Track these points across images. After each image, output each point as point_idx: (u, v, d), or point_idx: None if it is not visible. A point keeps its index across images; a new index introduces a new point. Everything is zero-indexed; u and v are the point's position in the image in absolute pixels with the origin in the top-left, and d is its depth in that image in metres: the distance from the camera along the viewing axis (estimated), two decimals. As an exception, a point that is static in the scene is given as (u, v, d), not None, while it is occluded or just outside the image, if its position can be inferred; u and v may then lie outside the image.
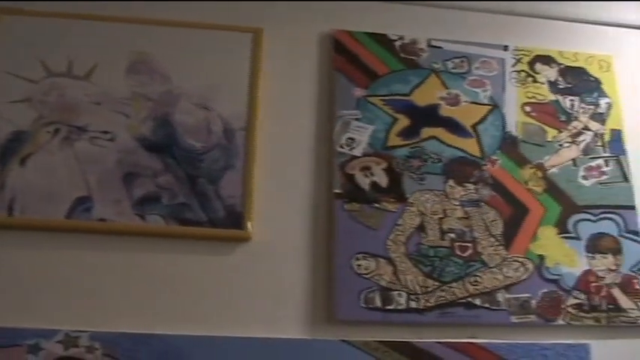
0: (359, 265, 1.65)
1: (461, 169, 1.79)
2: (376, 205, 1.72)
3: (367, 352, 1.61)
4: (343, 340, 1.61)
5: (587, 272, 1.77)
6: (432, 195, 1.75)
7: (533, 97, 1.93)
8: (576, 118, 1.93)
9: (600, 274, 1.77)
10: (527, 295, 1.72)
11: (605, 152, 1.90)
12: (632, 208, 1.86)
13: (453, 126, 1.85)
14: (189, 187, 1.66)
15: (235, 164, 1.71)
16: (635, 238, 1.82)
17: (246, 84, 1.79)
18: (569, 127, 1.91)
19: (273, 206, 1.70)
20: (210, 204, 1.66)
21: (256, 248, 1.67)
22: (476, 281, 1.70)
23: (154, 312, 1.59)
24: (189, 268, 1.63)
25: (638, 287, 1.78)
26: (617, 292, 1.76)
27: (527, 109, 1.91)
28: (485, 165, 1.81)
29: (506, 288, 1.71)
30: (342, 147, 1.76)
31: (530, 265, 1.74)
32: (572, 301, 1.73)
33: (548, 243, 1.77)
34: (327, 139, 1.79)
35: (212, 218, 1.65)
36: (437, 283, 1.68)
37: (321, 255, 1.69)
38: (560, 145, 1.88)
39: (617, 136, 1.93)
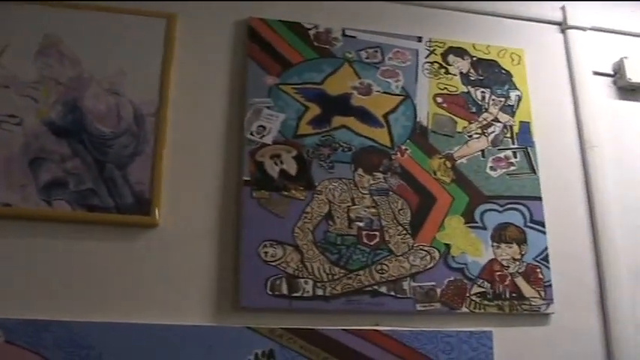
0: (266, 253, 1.65)
1: (370, 158, 1.80)
2: (284, 192, 1.72)
3: (272, 339, 1.61)
4: (248, 327, 1.60)
5: (492, 261, 1.80)
6: (341, 183, 1.76)
7: (445, 88, 1.95)
8: (486, 110, 1.96)
9: (505, 263, 1.80)
10: (432, 283, 1.74)
11: (513, 144, 1.94)
12: (539, 199, 1.90)
13: (364, 115, 1.86)
14: (97, 173, 1.64)
15: (145, 150, 1.69)
16: (540, 228, 1.86)
17: (158, 70, 1.78)
18: (480, 119, 1.94)
19: (182, 193, 1.69)
20: (117, 190, 1.64)
21: (163, 235, 1.66)
22: (382, 269, 1.71)
23: (58, 298, 1.56)
24: (96, 254, 1.61)
25: (541, 276, 1.81)
26: (520, 281, 1.80)
27: (439, 100, 1.93)
28: (394, 154, 1.83)
29: (412, 276, 1.73)
30: (252, 135, 1.76)
31: (436, 254, 1.76)
32: (476, 289, 1.76)
33: (455, 232, 1.79)
34: (237, 126, 1.78)
35: (119, 204, 1.63)
36: (343, 271, 1.69)
37: (229, 242, 1.68)
38: (470, 137, 1.91)
39: (525, 129, 1.97)
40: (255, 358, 1.60)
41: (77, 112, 1.68)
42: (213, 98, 1.81)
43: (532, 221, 1.85)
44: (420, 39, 2.00)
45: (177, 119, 1.74)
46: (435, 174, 1.83)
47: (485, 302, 1.75)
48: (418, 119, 1.89)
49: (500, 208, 1.84)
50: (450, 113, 1.92)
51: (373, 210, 1.75)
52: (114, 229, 1.63)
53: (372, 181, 1.78)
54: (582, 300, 1.88)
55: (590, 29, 2.19)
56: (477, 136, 1.91)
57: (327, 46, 1.91)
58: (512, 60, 2.04)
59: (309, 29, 1.92)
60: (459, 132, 1.91)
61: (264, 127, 1.76)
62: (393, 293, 1.70)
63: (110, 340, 1.53)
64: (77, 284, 1.58)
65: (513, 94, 1.99)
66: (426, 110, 1.91)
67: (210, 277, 1.65)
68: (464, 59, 2.00)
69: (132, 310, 1.59)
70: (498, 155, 1.90)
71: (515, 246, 1.81)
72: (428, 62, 1.97)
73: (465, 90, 1.96)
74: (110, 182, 1.64)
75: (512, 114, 1.97)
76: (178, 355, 1.56)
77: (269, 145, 1.76)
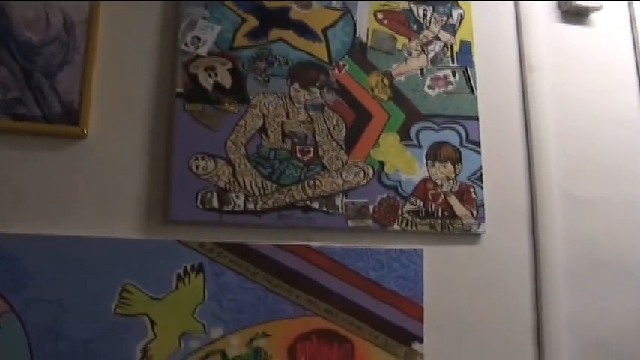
0: (197, 166, 1.63)
1: (307, 72, 1.78)
2: (218, 106, 1.69)
3: (202, 252, 1.61)
4: (179, 241, 1.59)
5: (426, 180, 1.80)
6: (276, 97, 1.73)
7: (387, 5, 1.91)
8: (427, 28, 1.93)
9: (438, 182, 1.81)
10: (364, 200, 1.74)
11: (453, 63, 1.92)
12: (475, 119, 1.89)
13: (303, 29, 1.81)
14: (25, 82, 1.58)
15: (74, 59, 1.64)
16: (475, 148, 1.86)
17: (89, -26, 1.69)
18: (420, 37, 1.91)
19: (112, 104, 1.65)
20: (46, 100, 1.59)
21: (93, 146, 1.62)
22: (315, 185, 1.70)
23: (-17, 210, 1.50)
24: (22, 165, 1.57)
25: (473, 196, 1.82)
26: (453, 200, 1.81)
27: (380, 16, 1.89)
28: (332, 70, 1.79)
29: (345, 193, 1.72)
30: (186, 45, 1.71)
31: (370, 171, 1.75)
32: (409, 207, 1.77)
33: (390, 150, 1.79)
34: (172, 37, 1.73)
35: (47, 114, 1.58)
36: (275, 186, 1.68)
37: (159, 155, 1.65)
38: (410, 54, 1.89)
39: (466, 48, 1.95)
40: (184, 272, 1.58)
41: (3, 18, 1.61)
42: (146, 6, 1.74)
43: (468, 141, 1.85)
44: (361, -47, 1.93)
45: (109, 28, 1.68)
46: (372, 91, 1.81)
47: (417, 220, 1.76)
48: (357, 35, 1.85)
49: (437, 127, 1.84)
50: (391, 30, 1.89)
51: (308, 125, 1.72)
52: (42, 140, 1.59)
53: (307, 96, 1.75)
54: (513, 221, 1.90)
55: (536, -50, 2.15)
56: (417, 54, 1.89)
57: (266, -42, 1.84)
58: (457, -23, 2.00)
59: (250, -62, 1.84)
60: (399, 49, 1.88)
61: (198, 39, 1.72)
62: (325, 209, 1.69)
63: (36, 253, 1.51)
64: (2, 195, 1.54)
65: (455, 13, 1.97)
66: (366, 26, 1.87)
67: (139, 190, 1.63)
68: (407, -24, 1.95)
69: (59, 223, 1.56)
70: (437, 74, 1.89)
71: (449, 165, 1.81)
72: (370, -22, 1.91)
73: (407, 7, 1.93)
74: (38, 91, 1.59)
75: (454, 33, 1.95)
76: (107, 268, 1.55)
77: (203, 56, 1.71)
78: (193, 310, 1.58)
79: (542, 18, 2.10)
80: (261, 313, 1.62)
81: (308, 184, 1.69)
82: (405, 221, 1.74)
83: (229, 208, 1.63)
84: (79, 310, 1.52)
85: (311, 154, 1.71)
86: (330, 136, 1.74)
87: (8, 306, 1.48)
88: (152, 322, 1.56)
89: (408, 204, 1.76)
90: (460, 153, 1.85)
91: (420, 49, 1.91)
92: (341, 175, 1.72)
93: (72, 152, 1.62)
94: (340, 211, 1.70)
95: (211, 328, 1.59)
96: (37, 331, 1.49)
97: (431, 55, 1.91)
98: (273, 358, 1.62)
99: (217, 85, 1.71)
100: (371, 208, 1.73)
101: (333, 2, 1.87)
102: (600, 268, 1.94)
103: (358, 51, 1.85)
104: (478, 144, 1.87)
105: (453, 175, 1.81)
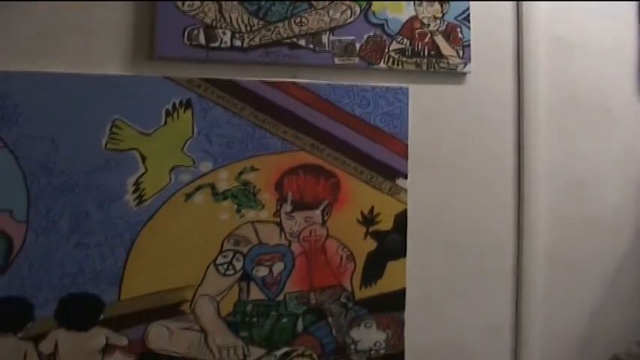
0: (183, 3, 1.60)
1: None
2: (204, -60, 1.64)
3: (190, 89, 1.62)
4: (166, 77, 1.59)
5: (413, 19, 1.80)
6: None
7: None
8: None
9: (425, 21, 1.80)
10: (351, 37, 1.73)
11: None
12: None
13: None
14: None
15: None
16: (463, -13, 1.83)
17: None
18: None
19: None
20: None
21: None
22: (301, 22, 1.69)
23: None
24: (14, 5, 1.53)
25: (460, 36, 1.82)
26: (439, 40, 1.81)
27: None
28: None
29: (332, 30, 1.71)
30: None
31: (357, 9, 1.74)
32: (395, 45, 1.77)
33: (377, -13, 1.76)
34: None
35: None
36: (262, 23, 1.67)
37: (145, -9, 1.62)
38: None
39: None
40: (173, 108, 1.59)
41: None
42: None
43: (456, -20, 1.82)
44: None
45: None
46: None
47: (404, 59, 1.77)
48: None
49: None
50: None
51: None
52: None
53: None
54: (499, 62, 1.91)
55: None
56: None
57: None
58: None
59: None
60: None
61: None
62: (311, 46, 1.69)
63: (25, 90, 1.52)
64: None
65: None
66: None
67: (125, 26, 1.62)
68: None
69: (47, 60, 1.56)
70: None
71: (436, 4, 1.80)
72: None
73: None
74: None
75: None
76: (95, 105, 1.56)
77: None
78: (183, 145, 1.62)
79: None
80: (249, 147, 1.66)
81: (295, 21, 1.69)
82: (391, 59, 1.76)
83: (216, 44, 1.63)
84: (71, 146, 1.55)
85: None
86: (316, -23, 1.70)
87: (2, 142, 1.49)
88: (142, 157, 1.58)
89: (394, 42, 1.76)
90: (446, -8, 1.81)
91: None
92: (328, 12, 1.71)
93: (58, -11, 1.57)
94: (327, 48, 1.70)
95: (201, 162, 1.63)
96: (31, 166, 1.52)
97: None
98: (261, 191, 1.65)
99: None
100: (357, 45, 1.73)
101: None
102: (581, 109, 1.97)
103: None
104: (465, -17, 1.83)
105: (440, 15, 1.81)
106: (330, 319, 1.72)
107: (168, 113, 1.60)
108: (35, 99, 1.52)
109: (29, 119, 1.52)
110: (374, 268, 1.75)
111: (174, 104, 1.60)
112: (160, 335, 1.61)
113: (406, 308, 1.79)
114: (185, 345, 1.63)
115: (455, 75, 1.83)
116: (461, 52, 1.82)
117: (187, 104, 1.61)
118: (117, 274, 1.59)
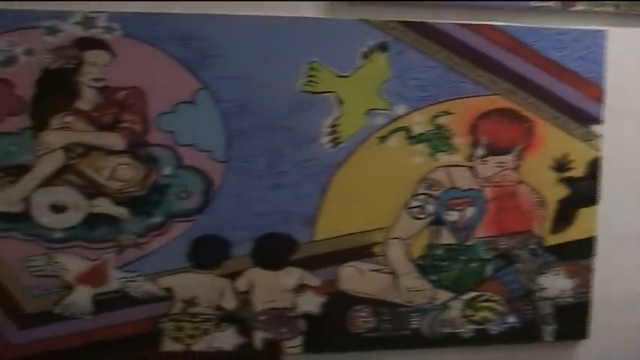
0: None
1: None
2: None
3: (385, 31, 1.63)
4: (362, 20, 1.61)
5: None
6: None
7: None
8: None
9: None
10: (549, -21, 1.67)
11: None
12: None
13: None
14: None
15: None
16: None
17: None
18: None
19: None
20: None
21: None
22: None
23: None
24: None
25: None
26: (641, -21, 1.72)
27: None
28: None
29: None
30: None
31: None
32: (594, -12, 1.70)
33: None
34: None
35: None
36: None
37: None
38: None
39: None
40: (369, 50, 1.59)
41: None
42: None
43: None
44: None
45: None
46: None
47: (602, 0, 1.69)
48: None
49: None
50: None
51: None
52: None
53: None
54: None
55: None
56: None
57: None
58: None
59: None
60: None
61: None
62: (510, -14, 1.64)
63: (223, 33, 1.56)
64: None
65: None
66: None
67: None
68: None
69: (245, 4, 1.59)
70: None
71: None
72: None
73: None
74: None
75: None
76: (292, 48, 1.59)
77: None
78: (378, 88, 1.61)
79: None
80: (443, 91, 1.65)
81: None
82: (588, 1, 1.69)
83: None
84: (267, 88, 1.59)
85: None
86: None
87: (201, 84, 1.54)
88: (339, 99, 1.59)
89: (593, -17, 1.69)
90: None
91: None
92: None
93: None
94: (523, -9, 1.65)
95: (395, 105, 1.63)
96: (229, 107, 1.57)
97: None
98: (455, 135, 1.64)
99: None
100: (554, -11, 1.67)
101: None
102: None
103: None
104: None
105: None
106: (518, 265, 1.69)
107: (364, 56, 1.60)
108: (233, 42, 1.57)
109: (227, 62, 1.56)
110: (564, 214, 1.72)
111: (370, 47, 1.60)
112: (350, 276, 1.64)
113: (595, 256, 1.73)
114: (375, 287, 1.65)
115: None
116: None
117: (383, 47, 1.60)
118: (311, 215, 1.61)
